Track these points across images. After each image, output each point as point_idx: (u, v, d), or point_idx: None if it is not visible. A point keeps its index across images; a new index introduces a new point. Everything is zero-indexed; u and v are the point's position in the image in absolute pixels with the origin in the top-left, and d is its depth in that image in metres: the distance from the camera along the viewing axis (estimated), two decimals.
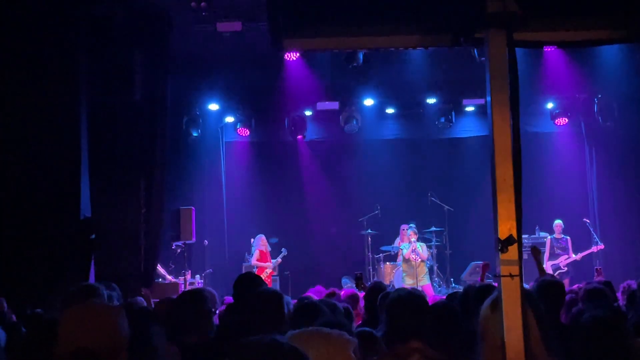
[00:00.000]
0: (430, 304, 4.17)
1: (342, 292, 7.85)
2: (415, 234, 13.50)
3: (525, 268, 3.37)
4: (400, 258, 13.85)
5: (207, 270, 13.73)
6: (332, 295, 7.17)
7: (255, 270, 12.54)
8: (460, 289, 12.69)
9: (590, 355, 3.67)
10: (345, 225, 15.14)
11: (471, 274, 14.10)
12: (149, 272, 11.29)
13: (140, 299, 6.90)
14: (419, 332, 3.64)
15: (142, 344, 3.66)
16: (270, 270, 13.51)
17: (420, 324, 3.66)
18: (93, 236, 9.53)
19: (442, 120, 15.22)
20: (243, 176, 15.49)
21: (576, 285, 8.71)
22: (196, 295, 4.63)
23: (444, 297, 6.90)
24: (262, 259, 13.58)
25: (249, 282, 5.06)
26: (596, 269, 12.11)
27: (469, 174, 14.63)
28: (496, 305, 3.31)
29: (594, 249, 13.43)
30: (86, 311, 2.96)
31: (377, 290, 6.35)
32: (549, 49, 13.33)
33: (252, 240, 13.87)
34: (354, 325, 5.46)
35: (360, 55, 12.62)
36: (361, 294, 7.13)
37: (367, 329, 4.31)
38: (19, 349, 3.84)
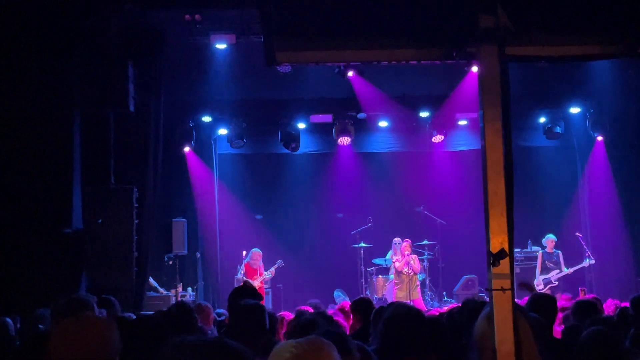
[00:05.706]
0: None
1: (337, 306, 7.88)
2: (410, 246, 13.50)
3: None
4: (392, 271, 13.83)
5: (199, 283, 13.65)
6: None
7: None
8: (454, 302, 12.71)
9: None
10: (337, 238, 15.11)
11: (464, 288, 14.09)
12: (141, 284, 11.25)
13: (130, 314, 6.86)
14: (416, 348, 3.62)
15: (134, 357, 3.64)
16: (258, 284, 13.23)
17: (417, 340, 3.65)
18: (84, 248, 9.51)
19: (435, 133, 15.25)
20: (236, 188, 15.44)
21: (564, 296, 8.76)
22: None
23: (436, 310, 6.89)
24: (249, 275, 13.44)
25: (239, 295, 5.20)
26: (581, 289, 12.11)
27: (461, 188, 14.65)
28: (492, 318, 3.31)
29: (585, 264, 13.43)
30: (77, 324, 2.94)
31: (364, 303, 6.40)
32: (542, 64, 13.38)
33: (244, 252, 13.75)
34: None
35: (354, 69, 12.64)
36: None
37: (359, 342, 4.31)
38: None
